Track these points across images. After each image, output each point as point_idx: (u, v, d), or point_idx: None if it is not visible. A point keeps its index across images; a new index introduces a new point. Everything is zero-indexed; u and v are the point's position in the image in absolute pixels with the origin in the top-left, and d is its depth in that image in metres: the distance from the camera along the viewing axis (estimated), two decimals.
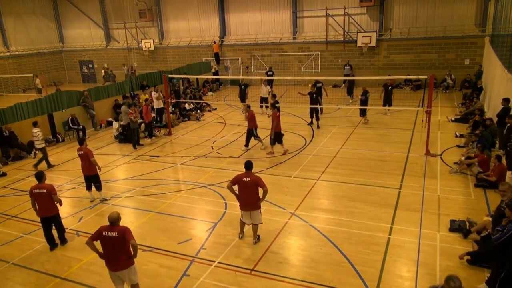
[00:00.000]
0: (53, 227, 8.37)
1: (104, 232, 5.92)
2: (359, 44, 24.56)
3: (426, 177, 10.73)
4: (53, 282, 7.16)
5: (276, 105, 14.59)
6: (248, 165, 7.74)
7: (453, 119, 16.14)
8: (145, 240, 8.30)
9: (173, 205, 9.96)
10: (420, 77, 13.47)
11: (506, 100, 11.96)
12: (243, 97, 19.12)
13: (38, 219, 9.27)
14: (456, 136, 13.92)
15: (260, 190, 7.64)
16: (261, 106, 19.01)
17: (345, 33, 25.29)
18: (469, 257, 6.91)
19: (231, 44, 28.93)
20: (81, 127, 16.64)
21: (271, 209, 9.39)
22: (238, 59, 28.72)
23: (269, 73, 24.30)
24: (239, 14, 28.53)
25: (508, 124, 11.03)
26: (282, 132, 13.28)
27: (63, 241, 8.48)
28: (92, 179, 10.25)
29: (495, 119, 12.58)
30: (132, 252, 5.99)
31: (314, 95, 16.24)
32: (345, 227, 8.38)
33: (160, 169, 12.53)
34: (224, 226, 8.67)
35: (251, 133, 13.57)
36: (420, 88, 21.89)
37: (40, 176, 8.14)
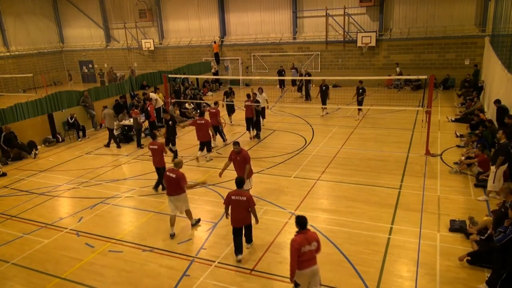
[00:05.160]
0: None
1: (167, 173, 8.23)
2: (359, 44, 24.55)
3: (426, 177, 10.72)
4: (53, 282, 7.16)
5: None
6: (236, 143, 9.35)
7: (453, 119, 16.14)
8: (145, 240, 8.31)
9: None
10: (420, 77, 13.46)
11: (497, 102, 12.09)
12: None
13: (38, 219, 9.70)
14: (457, 136, 13.91)
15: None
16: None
17: (345, 33, 25.29)
18: (469, 258, 6.91)
19: (231, 44, 28.92)
20: (80, 127, 16.66)
21: (271, 209, 9.38)
22: (238, 59, 28.71)
23: (306, 74, 22.59)
24: (239, 14, 28.52)
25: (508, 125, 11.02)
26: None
27: (156, 187, 10.73)
28: (205, 144, 12.68)
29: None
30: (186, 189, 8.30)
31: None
32: (345, 227, 8.38)
33: None
34: (224, 226, 8.66)
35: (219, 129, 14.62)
36: (420, 88, 21.88)
37: (153, 136, 10.47)
